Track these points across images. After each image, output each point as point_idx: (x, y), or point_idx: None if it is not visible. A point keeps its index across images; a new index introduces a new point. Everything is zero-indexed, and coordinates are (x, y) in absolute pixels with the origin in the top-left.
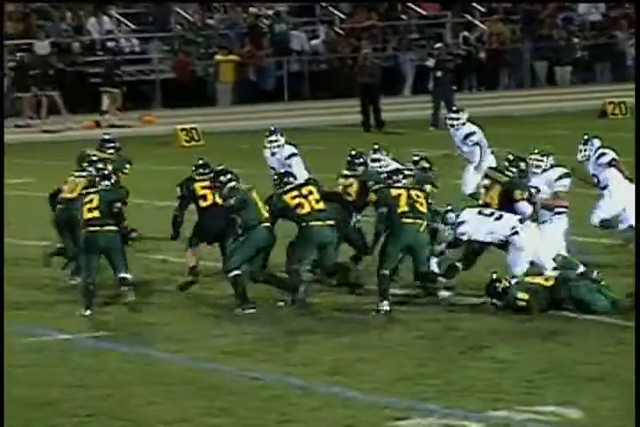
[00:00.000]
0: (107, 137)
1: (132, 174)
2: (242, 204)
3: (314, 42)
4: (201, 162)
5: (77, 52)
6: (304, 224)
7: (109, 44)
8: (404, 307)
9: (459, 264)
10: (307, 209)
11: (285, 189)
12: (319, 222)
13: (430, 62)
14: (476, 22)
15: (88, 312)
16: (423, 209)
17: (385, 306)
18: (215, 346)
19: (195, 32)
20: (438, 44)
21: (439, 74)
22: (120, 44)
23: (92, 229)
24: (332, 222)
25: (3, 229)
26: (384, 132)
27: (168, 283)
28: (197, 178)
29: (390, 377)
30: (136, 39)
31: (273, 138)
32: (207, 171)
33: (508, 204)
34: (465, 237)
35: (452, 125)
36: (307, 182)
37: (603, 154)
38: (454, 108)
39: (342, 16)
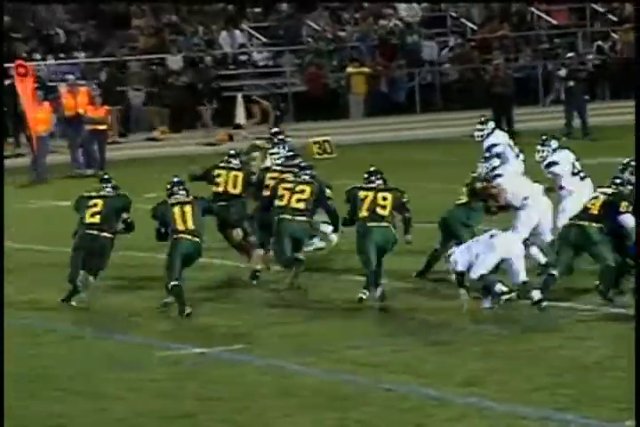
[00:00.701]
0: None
1: None
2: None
3: (445, 53)
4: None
5: (210, 66)
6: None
7: (241, 57)
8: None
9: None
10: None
11: None
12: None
13: (562, 72)
14: (610, 31)
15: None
16: (384, 212)
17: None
18: (349, 358)
19: (326, 44)
20: (570, 54)
21: (571, 84)
22: (252, 58)
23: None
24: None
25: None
26: (516, 143)
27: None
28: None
29: (525, 387)
30: (268, 52)
31: None
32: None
33: (611, 214)
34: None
35: (479, 136)
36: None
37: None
38: (481, 120)
39: (473, 27)
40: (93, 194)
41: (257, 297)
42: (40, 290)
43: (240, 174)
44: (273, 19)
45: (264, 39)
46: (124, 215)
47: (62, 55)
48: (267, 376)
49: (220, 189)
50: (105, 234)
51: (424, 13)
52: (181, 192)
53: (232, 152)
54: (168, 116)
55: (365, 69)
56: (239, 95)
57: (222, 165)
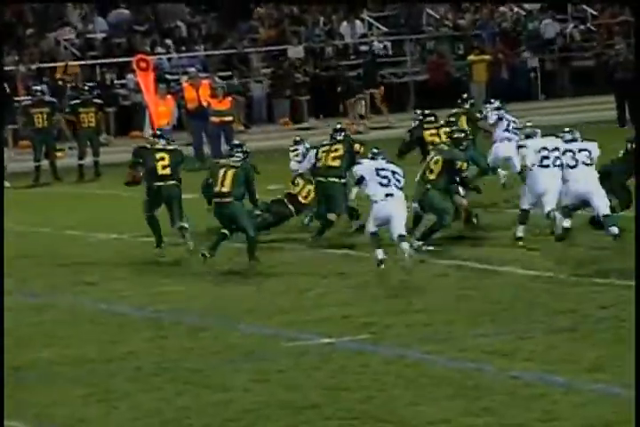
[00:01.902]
0: None
1: None
2: None
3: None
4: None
5: (330, 57)
6: None
7: (362, 47)
8: None
9: None
10: None
11: None
12: None
13: None
14: None
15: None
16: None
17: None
18: (475, 346)
19: (447, 32)
20: None
21: None
22: (373, 48)
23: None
24: None
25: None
26: None
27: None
28: None
29: None
30: (388, 42)
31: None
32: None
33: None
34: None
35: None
36: None
37: None
38: None
39: (594, 12)
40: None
41: (379, 286)
42: (167, 284)
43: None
44: (393, 7)
45: (385, 29)
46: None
47: (183, 48)
48: (393, 366)
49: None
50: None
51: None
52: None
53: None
54: (289, 107)
55: (486, 57)
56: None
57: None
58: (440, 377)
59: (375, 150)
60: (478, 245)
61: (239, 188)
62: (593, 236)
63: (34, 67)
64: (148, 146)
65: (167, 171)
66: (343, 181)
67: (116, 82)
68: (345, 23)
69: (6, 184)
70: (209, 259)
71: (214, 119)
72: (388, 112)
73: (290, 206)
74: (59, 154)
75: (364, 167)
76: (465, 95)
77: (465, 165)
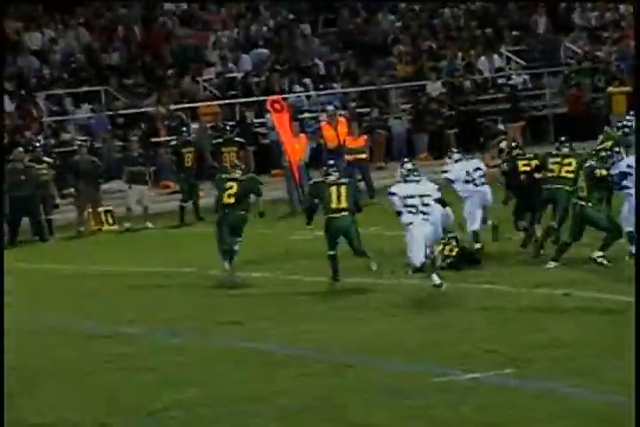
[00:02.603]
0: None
1: None
2: None
3: None
4: None
5: (470, 91)
6: None
7: (500, 81)
8: None
9: None
10: None
11: None
12: None
13: None
14: None
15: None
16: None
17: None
18: (620, 379)
19: (586, 64)
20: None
21: None
22: (512, 81)
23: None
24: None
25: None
26: None
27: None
28: None
29: None
30: (527, 75)
31: None
32: None
33: None
34: None
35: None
36: None
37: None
38: None
39: None
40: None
41: (521, 320)
42: (310, 321)
43: None
44: (530, 41)
45: (523, 62)
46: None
47: (321, 86)
48: (539, 400)
49: None
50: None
51: None
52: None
53: None
54: (428, 142)
55: (626, 88)
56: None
57: None
58: (586, 411)
59: (407, 167)
60: (620, 280)
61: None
62: None
63: (173, 107)
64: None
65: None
66: None
67: (255, 121)
68: (483, 58)
69: (149, 225)
70: (350, 297)
71: (348, 157)
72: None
73: None
74: (201, 194)
75: (397, 199)
76: (619, 123)
77: (604, 172)
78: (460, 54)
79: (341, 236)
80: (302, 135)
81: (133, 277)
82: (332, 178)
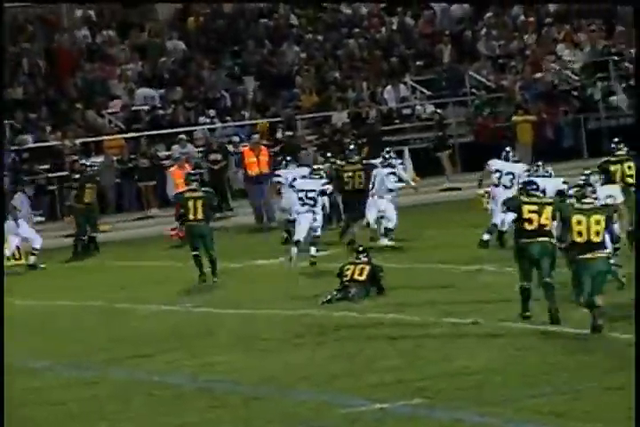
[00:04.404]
0: None
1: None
2: None
3: (612, 98)
4: None
5: (375, 121)
6: None
7: (405, 111)
8: None
9: None
10: None
11: None
12: None
13: None
14: None
15: None
16: None
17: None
18: (530, 406)
19: (490, 94)
20: None
21: None
22: (417, 111)
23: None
24: None
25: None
26: None
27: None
28: None
29: None
30: (431, 105)
31: None
32: None
33: None
34: None
35: None
36: None
37: None
38: None
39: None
40: None
41: (429, 349)
42: (215, 353)
43: None
44: (435, 71)
45: (427, 92)
46: None
47: (229, 118)
48: None
49: None
50: None
51: (585, 59)
52: None
53: None
54: None
55: (530, 117)
56: (406, 149)
57: None
58: None
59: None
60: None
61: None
62: None
63: (79, 141)
64: None
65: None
66: None
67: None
68: (389, 87)
69: (42, 266)
70: (258, 328)
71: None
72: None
73: None
74: (104, 227)
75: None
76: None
77: None
78: (365, 84)
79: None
80: (263, 148)
81: (41, 310)
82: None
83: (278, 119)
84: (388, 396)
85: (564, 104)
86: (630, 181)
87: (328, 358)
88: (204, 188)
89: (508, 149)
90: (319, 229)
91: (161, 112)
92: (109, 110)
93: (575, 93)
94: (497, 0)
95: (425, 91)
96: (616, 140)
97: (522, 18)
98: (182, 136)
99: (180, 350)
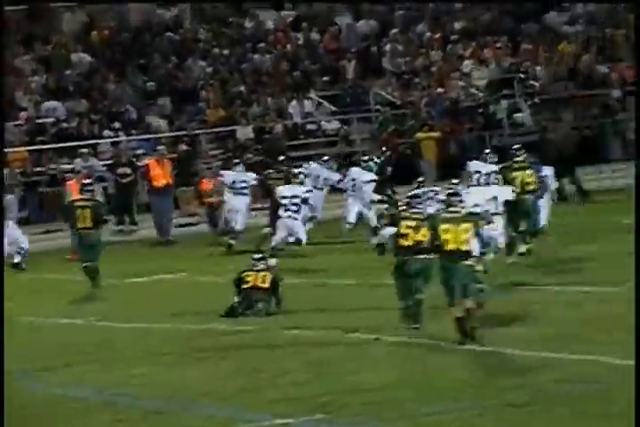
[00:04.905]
0: None
1: None
2: None
3: (516, 115)
4: None
5: (279, 136)
6: None
7: (310, 126)
8: None
9: None
10: None
11: None
12: None
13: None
14: None
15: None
16: None
17: None
18: (430, 423)
19: (395, 110)
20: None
21: None
22: (322, 127)
23: None
24: None
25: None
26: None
27: None
28: None
29: None
30: (336, 120)
31: None
32: None
33: None
34: None
35: None
36: None
37: None
38: None
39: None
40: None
41: (333, 365)
42: (121, 367)
43: None
44: (340, 87)
45: (333, 107)
46: None
47: (133, 131)
48: None
49: None
50: None
51: (491, 76)
52: None
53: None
54: None
55: (435, 134)
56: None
57: None
58: None
59: None
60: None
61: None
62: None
63: None
64: None
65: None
66: None
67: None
68: (294, 102)
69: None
70: (160, 342)
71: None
72: None
73: None
74: None
75: None
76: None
77: None
78: (270, 99)
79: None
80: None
81: None
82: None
83: (183, 133)
84: (290, 411)
85: (469, 121)
86: (530, 188)
87: (231, 373)
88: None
89: (487, 150)
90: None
91: (65, 125)
92: (14, 122)
93: (480, 110)
94: (402, 17)
95: (330, 106)
96: (516, 146)
97: (427, 34)
98: (84, 150)
99: (82, 363)
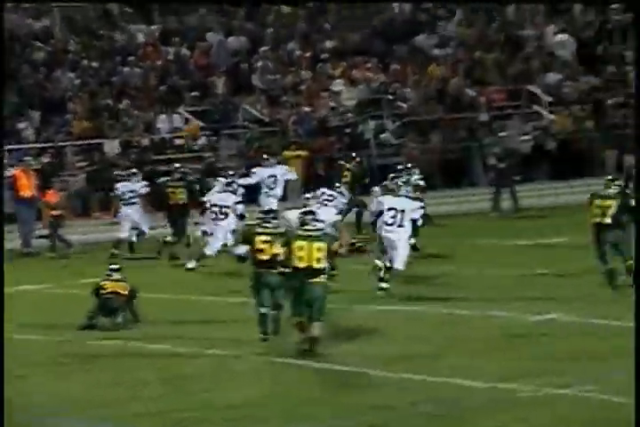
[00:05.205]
0: None
1: None
2: None
3: (383, 135)
4: None
5: (147, 150)
6: None
7: (178, 141)
8: None
9: None
10: None
11: None
12: None
13: (493, 155)
14: (543, 112)
15: None
16: None
17: None
18: None
19: (263, 127)
20: (502, 133)
21: (502, 165)
22: (189, 142)
23: None
24: None
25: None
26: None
27: None
28: None
29: None
30: (204, 136)
31: None
32: None
33: None
34: None
35: None
36: None
37: None
38: None
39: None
40: None
41: (194, 380)
42: None
43: None
44: (209, 102)
45: (201, 123)
46: None
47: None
48: None
49: None
50: None
51: (360, 96)
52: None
53: None
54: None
55: (302, 152)
56: None
57: None
58: None
59: None
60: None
61: None
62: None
63: None
64: None
65: None
66: None
67: None
68: (163, 116)
69: None
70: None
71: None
72: None
73: None
74: None
75: None
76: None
77: None
78: (138, 113)
79: None
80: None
81: None
82: None
83: (49, 144)
84: (150, 425)
85: (337, 140)
86: None
87: (91, 386)
88: None
89: (409, 164)
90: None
91: None
92: None
93: (348, 130)
94: (272, 35)
95: (199, 122)
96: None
97: (297, 53)
98: None
99: None
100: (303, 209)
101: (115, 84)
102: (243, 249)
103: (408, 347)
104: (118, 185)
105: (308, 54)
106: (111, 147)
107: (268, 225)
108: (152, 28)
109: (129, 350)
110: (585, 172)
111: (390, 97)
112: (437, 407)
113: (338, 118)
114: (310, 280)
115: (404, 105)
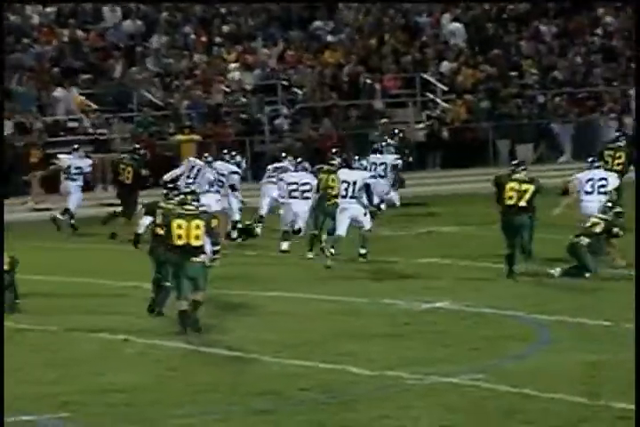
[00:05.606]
0: None
1: None
2: None
3: (277, 121)
4: None
5: (39, 132)
6: None
7: (71, 124)
8: None
9: None
10: None
11: None
12: None
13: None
14: (438, 100)
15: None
16: None
17: None
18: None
19: (157, 112)
20: (384, 120)
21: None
22: (83, 125)
23: None
24: None
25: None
26: None
27: None
28: None
29: None
30: (98, 119)
31: None
32: None
33: None
34: None
35: None
36: None
37: None
38: None
39: (302, 95)
40: None
41: (79, 364)
42: None
43: None
44: (103, 85)
45: (95, 106)
46: None
47: None
48: None
49: None
50: None
51: (256, 82)
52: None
53: None
54: None
55: (195, 137)
56: None
57: None
58: None
59: None
60: None
61: None
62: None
63: None
64: None
65: None
66: None
67: None
68: (57, 94)
69: None
70: None
71: None
72: None
73: None
74: None
75: None
76: None
77: None
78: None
79: None
80: None
81: None
82: None
83: None
84: (34, 408)
85: (231, 125)
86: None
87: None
88: None
89: (389, 141)
90: None
91: None
92: None
93: (243, 115)
94: (168, 19)
95: (92, 104)
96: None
97: (192, 37)
98: None
99: None
100: (185, 190)
101: (8, 64)
102: (145, 222)
103: (299, 334)
104: (63, 157)
105: (203, 38)
106: (5, 128)
107: (188, 207)
108: (47, 9)
109: (10, 333)
110: (478, 161)
111: (285, 83)
112: (326, 394)
113: (232, 103)
114: (189, 258)
115: (299, 91)
